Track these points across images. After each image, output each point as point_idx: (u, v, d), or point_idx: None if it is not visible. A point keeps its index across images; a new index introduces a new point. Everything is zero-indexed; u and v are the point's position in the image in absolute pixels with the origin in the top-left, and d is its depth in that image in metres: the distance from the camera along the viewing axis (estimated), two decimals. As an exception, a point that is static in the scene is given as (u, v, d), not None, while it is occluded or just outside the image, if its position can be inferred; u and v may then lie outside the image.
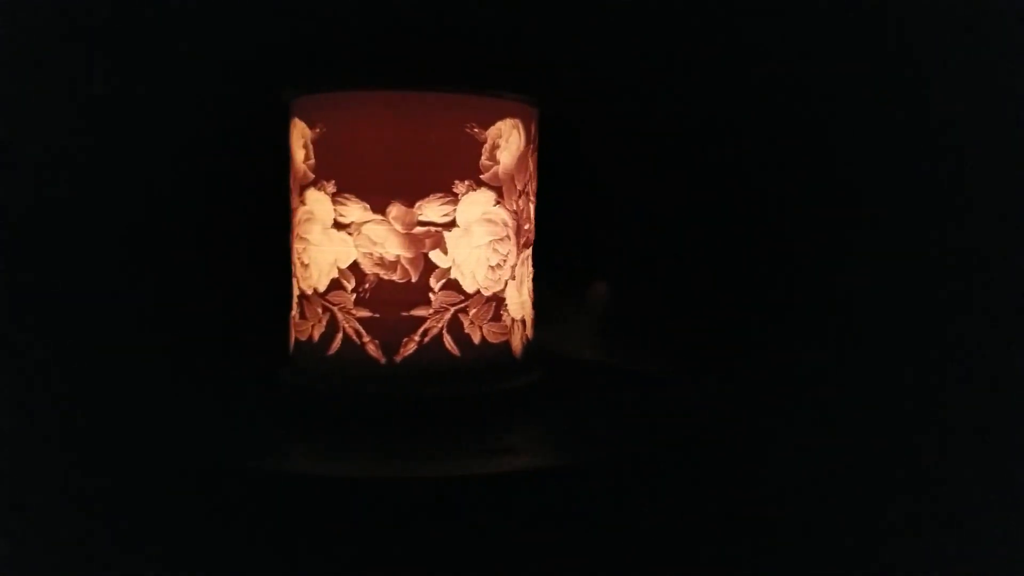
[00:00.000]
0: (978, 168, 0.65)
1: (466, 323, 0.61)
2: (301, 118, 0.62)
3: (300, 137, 0.62)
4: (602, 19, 0.71)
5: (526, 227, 0.65)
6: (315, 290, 0.61)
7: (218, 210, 0.73)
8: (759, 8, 0.71)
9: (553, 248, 0.67)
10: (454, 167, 0.60)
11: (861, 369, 0.71)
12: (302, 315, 0.63)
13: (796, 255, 0.73)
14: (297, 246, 0.63)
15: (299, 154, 0.62)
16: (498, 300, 0.62)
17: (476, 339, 0.61)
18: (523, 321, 0.65)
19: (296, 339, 0.64)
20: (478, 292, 0.61)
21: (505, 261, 0.63)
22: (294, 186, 0.64)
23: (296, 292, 0.64)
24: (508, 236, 0.63)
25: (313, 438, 0.59)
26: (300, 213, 0.63)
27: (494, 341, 0.62)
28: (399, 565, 0.54)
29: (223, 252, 0.73)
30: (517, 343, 0.64)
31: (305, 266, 0.62)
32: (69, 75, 0.68)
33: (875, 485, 0.69)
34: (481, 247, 0.61)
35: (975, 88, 0.64)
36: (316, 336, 0.62)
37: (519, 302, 0.65)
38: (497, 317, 0.63)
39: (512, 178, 0.62)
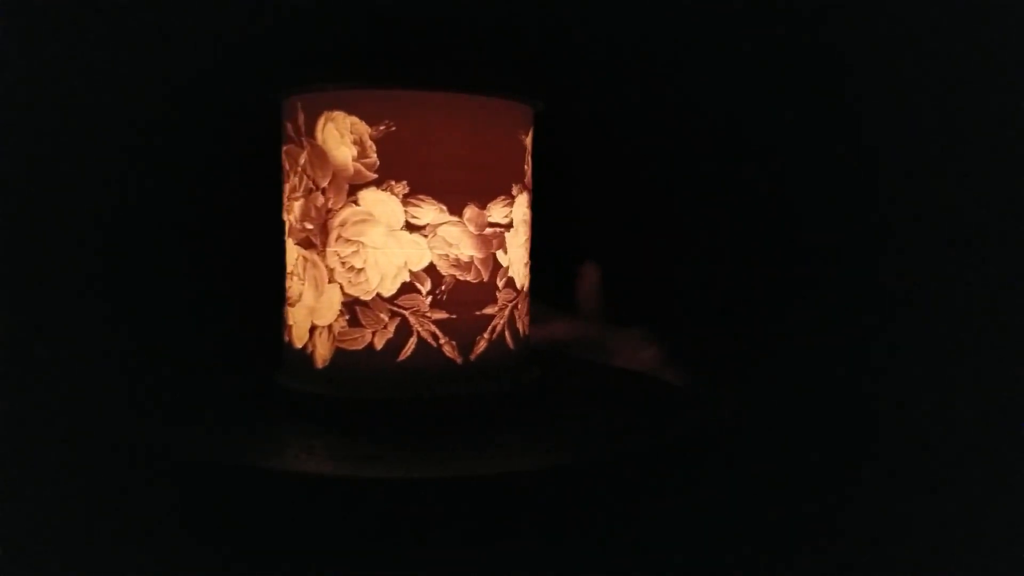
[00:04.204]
0: (980, 171, 0.68)
1: (517, 318, 0.64)
2: (351, 113, 0.57)
3: (348, 133, 0.57)
4: (595, 18, 0.75)
5: (528, 226, 0.70)
6: (379, 295, 0.58)
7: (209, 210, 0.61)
8: (757, 9, 0.74)
9: (554, 248, 0.71)
10: (510, 171, 0.63)
11: (861, 369, 0.73)
12: (354, 323, 0.58)
13: (797, 254, 0.76)
14: (340, 249, 0.58)
15: (344, 151, 0.58)
16: (528, 295, 0.67)
17: (522, 332, 0.65)
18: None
19: (338, 349, 0.59)
20: (522, 288, 0.65)
21: (529, 258, 0.67)
22: (329, 186, 0.58)
23: (339, 299, 0.59)
24: (530, 236, 0.67)
25: (390, 446, 0.56)
26: (347, 214, 0.58)
27: (527, 333, 0.67)
28: (401, 565, 0.56)
29: (217, 257, 0.62)
30: (529, 333, 0.69)
31: (358, 271, 0.58)
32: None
33: (875, 486, 0.70)
34: (521, 246, 0.65)
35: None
36: (379, 343, 0.58)
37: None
38: (528, 311, 0.67)
39: (531, 181, 0.67)
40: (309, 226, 0.60)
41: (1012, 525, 0.65)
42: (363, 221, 0.58)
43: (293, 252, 0.63)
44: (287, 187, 0.63)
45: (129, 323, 0.71)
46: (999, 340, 0.68)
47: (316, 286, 0.60)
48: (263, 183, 0.63)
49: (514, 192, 0.63)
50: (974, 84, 0.67)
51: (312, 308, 0.61)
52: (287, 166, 0.63)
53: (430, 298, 0.59)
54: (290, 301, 0.63)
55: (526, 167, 0.65)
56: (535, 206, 0.69)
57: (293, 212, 0.62)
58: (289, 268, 0.63)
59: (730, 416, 0.69)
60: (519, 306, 0.65)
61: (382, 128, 0.57)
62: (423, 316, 0.59)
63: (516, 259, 0.64)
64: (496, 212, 0.61)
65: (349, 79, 0.58)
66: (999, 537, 0.65)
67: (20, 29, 0.66)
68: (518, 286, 0.64)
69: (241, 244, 0.69)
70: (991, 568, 0.64)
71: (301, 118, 0.60)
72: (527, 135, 0.64)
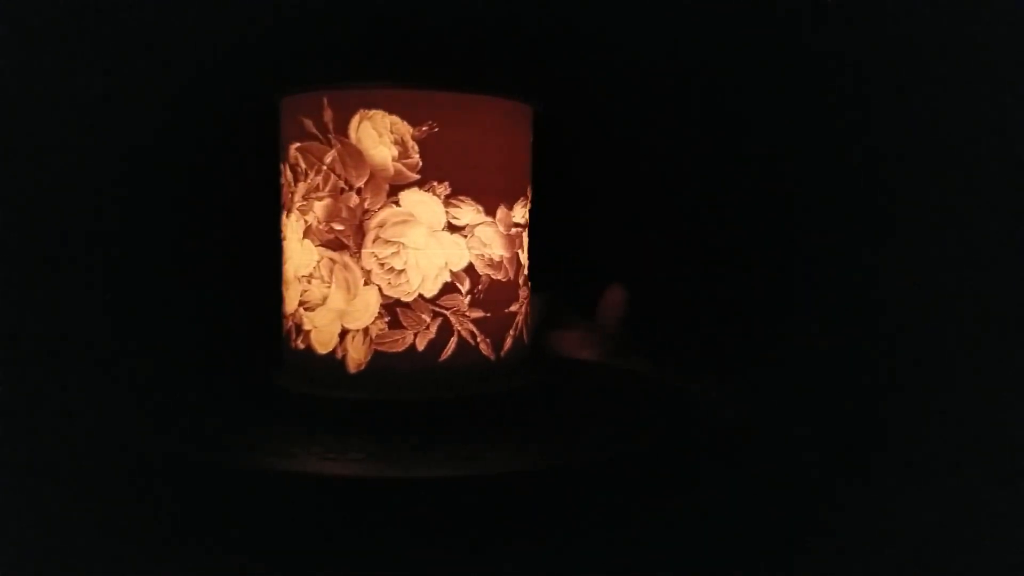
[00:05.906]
0: (980, 171, 0.67)
1: (528, 315, 0.66)
2: (391, 112, 0.56)
3: (388, 132, 0.56)
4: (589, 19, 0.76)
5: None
6: (420, 296, 0.57)
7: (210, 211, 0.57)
8: (757, 9, 0.75)
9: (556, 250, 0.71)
10: (526, 173, 0.65)
11: (862, 369, 0.74)
12: (394, 324, 0.57)
13: (797, 254, 0.77)
14: (377, 250, 0.57)
15: (383, 151, 0.57)
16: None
17: (529, 328, 0.67)
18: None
19: (376, 352, 0.58)
20: (530, 286, 0.67)
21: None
22: (365, 186, 0.57)
23: (377, 301, 0.57)
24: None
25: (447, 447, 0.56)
26: (386, 215, 0.57)
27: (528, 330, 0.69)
28: (401, 565, 0.57)
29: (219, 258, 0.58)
30: (525, 330, 0.72)
31: (398, 272, 0.57)
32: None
33: (876, 486, 0.70)
34: (526, 245, 0.67)
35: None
36: (421, 344, 0.58)
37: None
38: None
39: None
40: (339, 227, 0.58)
41: (1013, 526, 0.64)
42: (404, 222, 0.58)
43: (312, 254, 0.60)
44: (302, 186, 0.60)
45: (129, 323, 0.65)
46: (1000, 340, 0.67)
47: (348, 289, 0.59)
48: (263, 183, 0.61)
49: (528, 193, 0.65)
50: (975, 83, 0.67)
51: (343, 311, 0.59)
52: (303, 164, 0.60)
53: (469, 297, 0.60)
54: (307, 305, 0.61)
55: (531, 169, 0.67)
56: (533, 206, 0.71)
57: (313, 212, 0.60)
58: (305, 271, 0.61)
59: (731, 416, 0.70)
60: (528, 303, 0.67)
61: (424, 128, 0.57)
62: (463, 315, 0.60)
63: (526, 259, 0.66)
64: (518, 213, 0.63)
65: (390, 78, 0.57)
66: (1000, 537, 0.64)
67: (20, 29, 0.61)
68: (529, 284, 0.67)
69: (241, 244, 0.65)
70: (991, 568, 0.63)
71: (328, 115, 0.58)
72: (531, 137, 0.67)
